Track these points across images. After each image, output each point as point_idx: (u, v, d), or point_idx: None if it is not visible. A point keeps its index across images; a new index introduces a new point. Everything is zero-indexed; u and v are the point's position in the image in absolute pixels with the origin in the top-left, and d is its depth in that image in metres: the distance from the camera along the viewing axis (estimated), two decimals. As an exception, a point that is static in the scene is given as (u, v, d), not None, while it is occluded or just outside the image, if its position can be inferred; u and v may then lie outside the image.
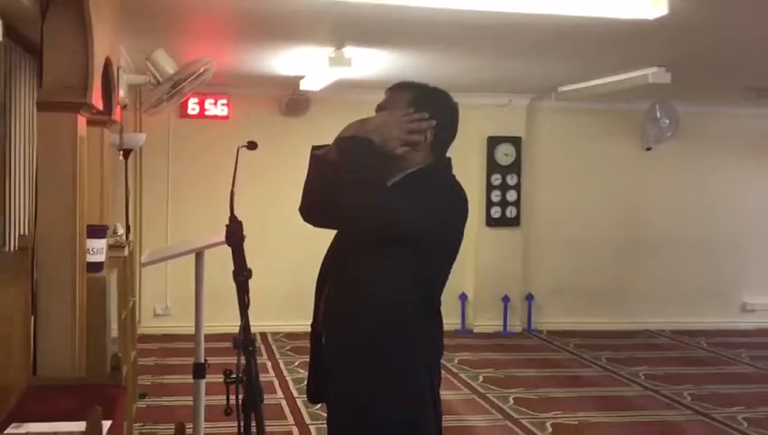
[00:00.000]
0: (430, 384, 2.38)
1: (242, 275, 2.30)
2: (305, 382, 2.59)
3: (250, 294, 2.31)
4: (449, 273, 2.42)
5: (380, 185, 2.27)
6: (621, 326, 8.94)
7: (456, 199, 2.39)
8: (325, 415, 2.48)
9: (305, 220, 2.50)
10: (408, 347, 2.30)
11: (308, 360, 2.57)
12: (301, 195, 2.47)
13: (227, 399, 2.27)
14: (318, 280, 2.46)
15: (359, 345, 2.30)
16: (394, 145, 2.32)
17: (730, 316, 9.33)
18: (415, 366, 2.33)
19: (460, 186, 2.42)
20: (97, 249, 3.67)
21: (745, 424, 5.64)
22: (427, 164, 2.39)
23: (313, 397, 2.52)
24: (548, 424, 5.54)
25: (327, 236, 2.48)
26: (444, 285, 2.43)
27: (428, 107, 2.37)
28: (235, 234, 2.34)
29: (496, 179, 8.78)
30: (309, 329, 2.51)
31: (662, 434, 5.41)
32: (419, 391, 2.33)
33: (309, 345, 2.52)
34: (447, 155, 2.46)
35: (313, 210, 2.45)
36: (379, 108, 2.44)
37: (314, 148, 2.41)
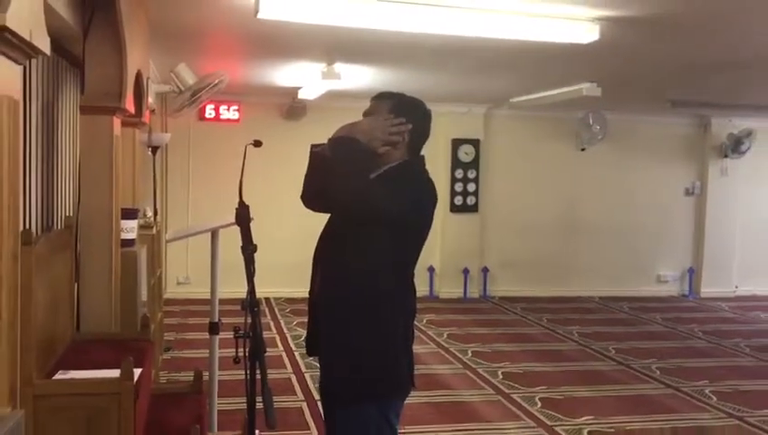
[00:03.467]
0: (404, 340, 2.38)
1: (248, 249, 2.28)
2: (303, 338, 2.58)
3: (256, 266, 2.28)
4: (420, 250, 2.40)
5: (365, 176, 2.26)
6: (559, 293, 9.02)
7: (426, 189, 2.38)
8: (318, 365, 2.47)
9: (305, 206, 2.47)
10: (385, 310, 2.29)
11: (304, 320, 2.56)
12: (302, 184, 2.45)
13: (236, 351, 2.27)
14: (314, 256, 2.44)
15: (345, 309, 2.29)
16: (377, 144, 2.31)
17: (647, 286, 9.42)
18: (392, 326, 2.32)
19: (430, 179, 2.40)
20: (130, 228, 3.65)
21: (658, 372, 5.71)
22: (404, 160, 2.37)
23: (311, 350, 2.51)
24: (499, 372, 5.58)
25: (321, 218, 2.47)
26: (416, 260, 2.41)
27: (406, 113, 2.36)
28: (242, 216, 2.31)
29: (459, 174, 8.80)
30: (306, 295, 2.50)
31: (589, 379, 5.46)
32: (395, 347, 2.33)
33: (306, 308, 2.51)
34: (422, 153, 2.45)
35: (311, 197, 2.42)
36: (365, 114, 2.42)
37: (313, 145, 2.38)
